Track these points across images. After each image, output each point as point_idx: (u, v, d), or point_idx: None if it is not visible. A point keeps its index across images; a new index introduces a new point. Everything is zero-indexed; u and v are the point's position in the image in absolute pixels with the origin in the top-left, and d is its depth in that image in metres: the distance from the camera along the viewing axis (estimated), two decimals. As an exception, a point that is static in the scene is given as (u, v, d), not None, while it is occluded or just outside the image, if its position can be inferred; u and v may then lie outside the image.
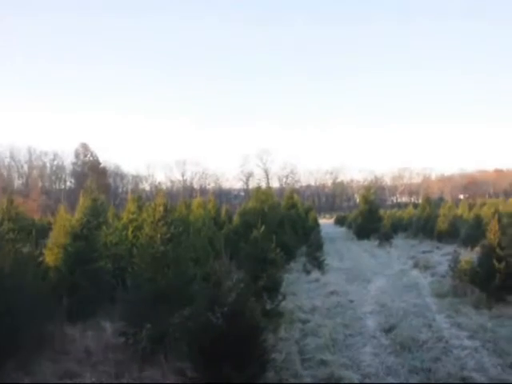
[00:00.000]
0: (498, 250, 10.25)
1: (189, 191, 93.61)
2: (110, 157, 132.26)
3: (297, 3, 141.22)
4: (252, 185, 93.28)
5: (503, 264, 10.06)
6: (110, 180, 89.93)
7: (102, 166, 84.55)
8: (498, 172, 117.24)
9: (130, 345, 6.77)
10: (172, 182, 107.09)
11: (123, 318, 7.16)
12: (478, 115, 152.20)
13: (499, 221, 10.61)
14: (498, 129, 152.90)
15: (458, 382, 6.08)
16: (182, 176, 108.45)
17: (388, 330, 8.47)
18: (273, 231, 12.09)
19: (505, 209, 34.41)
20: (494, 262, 10.09)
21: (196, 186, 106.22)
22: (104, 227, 12.05)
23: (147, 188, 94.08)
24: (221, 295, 5.50)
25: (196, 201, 21.05)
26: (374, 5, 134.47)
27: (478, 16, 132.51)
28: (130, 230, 11.85)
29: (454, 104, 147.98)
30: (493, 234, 10.50)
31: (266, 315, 8.25)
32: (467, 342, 7.68)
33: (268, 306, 8.79)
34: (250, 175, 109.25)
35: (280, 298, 9.10)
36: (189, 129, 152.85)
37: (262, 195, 19.34)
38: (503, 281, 10.03)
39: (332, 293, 12.05)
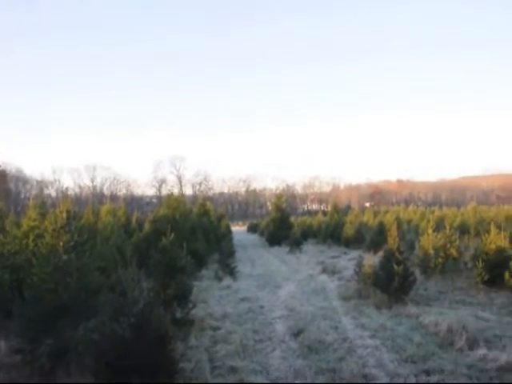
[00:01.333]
0: (397, 255, 10.94)
1: (98, 197, 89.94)
2: (11, 159, 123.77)
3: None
4: (165, 192, 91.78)
5: (401, 267, 10.76)
6: (11, 185, 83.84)
7: (1, 169, 78.45)
8: (400, 182, 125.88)
9: (27, 363, 6.32)
10: (81, 187, 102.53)
11: (20, 333, 6.66)
12: (382, 129, 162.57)
13: (399, 227, 11.41)
14: (399, 142, 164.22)
15: (360, 378, 6.38)
16: (92, 181, 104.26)
17: (297, 334, 8.67)
18: (184, 238, 11.95)
19: (405, 216, 36.96)
20: (394, 265, 10.77)
21: (106, 192, 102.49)
22: (1, 236, 11.17)
23: (53, 194, 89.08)
24: (127, 305, 5.32)
25: (105, 207, 20.28)
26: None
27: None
28: (31, 238, 11.08)
29: (361, 117, 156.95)
30: (392, 240, 11.18)
31: (176, 324, 8.12)
32: (369, 341, 8.08)
33: (178, 315, 8.66)
34: (162, 182, 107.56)
35: (190, 305, 8.98)
36: (99, 133, 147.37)
37: (174, 202, 19.08)
38: (401, 283, 10.75)
39: (243, 299, 12.14)
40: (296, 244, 27.70)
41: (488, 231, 13.64)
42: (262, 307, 11.24)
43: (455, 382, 6.21)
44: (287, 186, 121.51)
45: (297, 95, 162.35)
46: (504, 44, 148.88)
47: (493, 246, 12.70)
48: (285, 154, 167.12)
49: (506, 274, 11.69)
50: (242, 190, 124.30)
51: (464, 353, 7.35)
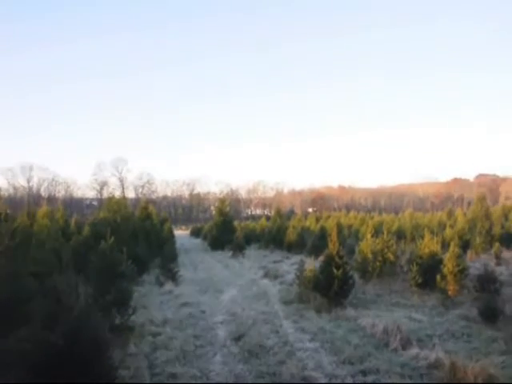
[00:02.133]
0: (336, 259, 11.23)
1: (35, 199, 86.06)
2: None
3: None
4: (106, 194, 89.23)
5: (341, 271, 11.06)
6: None
7: None
8: (341, 188, 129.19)
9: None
10: (15, 188, 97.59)
11: None
12: (325, 136, 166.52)
13: (340, 232, 11.71)
14: (342, 150, 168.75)
15: (300, 381, 6.49)
16: (28, 182, 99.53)
17: (238, 339, 8.67)
18: (125, 243, 11.69)
19: (346, 221, 37.94)
20: (334, 269, 11.04)
21: (44, 193, 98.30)
22: None
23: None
24: (62, 312, 5.12)
25: (42, 210, 19.42)
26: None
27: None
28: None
29: (304, 124, 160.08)
30: (332, 244, 11.46)
31: (115, 330, 7.92)
32: (309, 344, 8.24)
33: (117, 321, 8.44)
34: (104, 184, 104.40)
35: (130, 311, 8.78)
36: (37, 133, 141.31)
37: (115, 205, 18.62)
38: (340, 286, 11.04)
39: (184, 304, 12.00)
40: (239, 248, 27.76)
41: (422, 236, 14.29)
42: (203, 312, 11.17)
43: (389, 380, 6.45)
44: (231, 190, 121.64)
45: (241, 99, 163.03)
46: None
47: (426, 251, 13.32)
48: (229, 158, 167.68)
49: (438, 277, 12.30)
50: (186, 193, 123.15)
51: (398, 352, 7.68)
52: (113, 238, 9.03)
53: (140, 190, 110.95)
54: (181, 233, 70.16)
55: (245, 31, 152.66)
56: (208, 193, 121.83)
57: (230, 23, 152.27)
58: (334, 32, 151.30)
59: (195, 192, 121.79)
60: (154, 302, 12.40)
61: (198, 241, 48.92)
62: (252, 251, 30.72)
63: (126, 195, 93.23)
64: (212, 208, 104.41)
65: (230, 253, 28.13)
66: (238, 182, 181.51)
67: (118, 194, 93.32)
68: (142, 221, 24.99)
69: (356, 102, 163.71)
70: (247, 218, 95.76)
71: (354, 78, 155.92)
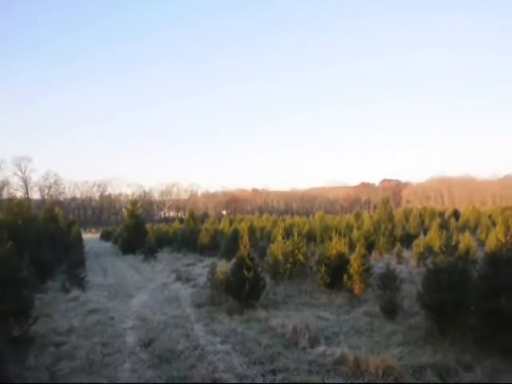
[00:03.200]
0: (247, 261, 11.35)
1: None
2: None
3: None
4: (7, 195, 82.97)
5: (252, 273, 11.19)
6: None
7: None
8: (255, 191, 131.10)
9: None
10: None
11: None
12: (239, 139, 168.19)
13: (253, 234, 11.87)
14: (256, 153, 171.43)
15: (210, 382, 6.48)
16: None
17: (148, 344, 8.46)
18: (27, 247, 10.96)
19: (258, 224, 38.47)
20: (245, 271, 11.15)
21: None
22: None
23: None
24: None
25: None
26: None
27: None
28: None
29: (217, 127, 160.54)
30: (244, 247, 11.58)
31: (13, 342, 7.39)
32: (220, 347, 8.23)
33: (15, 332, 7.87)
34: (4, 184, 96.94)
35: (30, 321, 8.24)
36: None
37: (16, 207, 17.40)
38: (252, 288, 11.17)
39: (92, 311, 11.48)
40: (151, 252, 27.17)
41: (331, 238, 14.88)
42: (112, 318, 10.76)
43: (298, 378, 6.64)
44: (144, 192, 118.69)
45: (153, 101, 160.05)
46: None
47: (334, 252, 13.89)
48: (142, 159, 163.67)
49: (345, 277, 12.88)
50: (96, 195, 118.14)
51: (306, 350, 7.91)
52: (10, 242, 8.41)
53: (46, 191, 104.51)
54: (90, 236, 67.27)
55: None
56: (120, 194, 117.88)
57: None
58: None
59: (106, 194, 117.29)
60: (58, 310, 11.73)
61: (109, 244, 47.15)
62: (165, 254, 30.19)
63: (30, 196, 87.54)
64: (123, 210, 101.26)
65: (142, 256, 27.46)
66: (152, 183, 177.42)
67: (20, 194, 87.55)
68: (46, 224, 23.56)
69: (267, 105, 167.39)
70: (160, 221, 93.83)
71: (265, 81, 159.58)
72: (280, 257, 15.30)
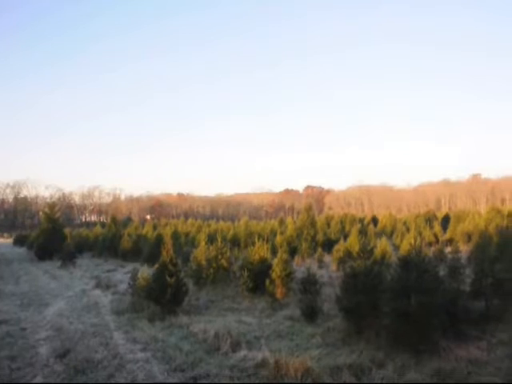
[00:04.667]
0: (170, 266, 11.20)
1: None
2: None
3: None
4: None
5: (174, 279, 11.05)
6: None
7: None
8: (180, 196, 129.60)
9: None
10: None
11: None
12: (165, 143, 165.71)
13: (177, 239, 11.71)
14: (180, 158, 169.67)
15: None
16: None
17: (63, 355, 8.06)
18: None
19: (183, 229, 38.06)
20: (167, 277, 10.98)
21: None
22: None
23: None
24: None
25: None
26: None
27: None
28: None
29: (140, 133, 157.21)
30: (166, 252, 11.42)
31: None
32: (140, 355, 8.04)
33: None
34: None
35: None
36: None
37: None
38: (174, 294, 11.03)
39: (0, 322, 10.75)
40: (69, 258, 25.99)
41: (254, 243, 15.04)
42: (23, 329, 10.15)
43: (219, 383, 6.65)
44: (63, 194, 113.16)
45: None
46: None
47: (257, 257, 14.06)
48: (62, 160, 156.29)
49: (267, 282, 13.06)
50: (10, 197, 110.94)
51: (228, 356, 7.95)
52: None
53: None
54: (2, 241, 63.05)
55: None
56: (36, 197, 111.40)
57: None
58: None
59: (21, 196, 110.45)
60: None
61: (23, 250, 44.33)
62: (85, 260, 29.05)
63: None
64: (40, 214, 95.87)
65: (60, 263, 26.18)
66: (72, 186, 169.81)
67: None
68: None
69: (192, 109, 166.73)
70: (81, 225, 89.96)
71: (191, 85, 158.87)
72: (203, 262, 15.23)
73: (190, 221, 51.66)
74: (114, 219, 37.00)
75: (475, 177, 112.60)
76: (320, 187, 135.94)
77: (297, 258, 23.39)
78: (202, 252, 15.60)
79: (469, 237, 29.58)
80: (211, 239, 17.41)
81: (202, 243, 16.00)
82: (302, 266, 19.37)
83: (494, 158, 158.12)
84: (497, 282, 10.91)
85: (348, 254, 19.52)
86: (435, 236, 33.30)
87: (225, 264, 15.64)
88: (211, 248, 15.79)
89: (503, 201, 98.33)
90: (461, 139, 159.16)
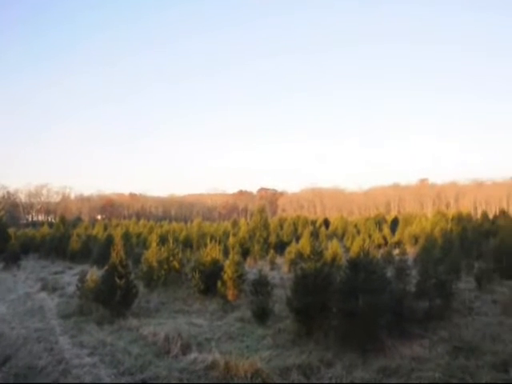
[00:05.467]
0: (119, 268, 10.97)
1: None
2: None
3: None
4: None
5: (124, 281, 10.84)
6: None
7: None
8: (132, 196, 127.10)
9: None
10: None
11: None
12: (116, 142, 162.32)
13: (128, 240, 11.44)
14: (133, 157, 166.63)
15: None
16: None
17: (3, 363, 7.71)
18: None
19: (135, 230, 37.40)
20: (116, 279, 10.76)
21: None
22: None
23: None
24: None
25: None
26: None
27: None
28: None
29: (93, 131, 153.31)
30: (116, 253, 11.18)
31: None
32: (87, 360, 7.85)
33: None
34: None
35: None
36: None
37: None
38: (123, 296, 10.82)
39: None
40: (13, 259, 24.96)
41: (207, 245, 14.98)
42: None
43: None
44: (8, 193, 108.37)
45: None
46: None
47: (209, 258, 14.02)
48: (6, 157, 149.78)
49: (219, 283, 13.03)
50: None
51: (178, 358, 7.91)
52: None
53: None
54: None
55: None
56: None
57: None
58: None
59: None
60: None
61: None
62: (30, 262, 27.98)
63: None
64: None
65: (2, 264, 25.05)
66: (18, 184, 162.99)
67: None
68: None
69: (144, 109, 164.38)
70: (27, 225, 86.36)
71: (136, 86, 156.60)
72: (154, 264, 15.02)
73: (142, 221, 50.70)
74: (62, 219, 35.86)
75: (423, 182, 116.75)
76: (274, 189, 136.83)
77: (249, 260, 23.47)
78: (153, 253, 15.38)
79: (416, 239, 30.61)
80: (163, 240, 17.16)
81: (154, 244, 15.78)
82: (254, 268, 19.45)
83: (441, 164, 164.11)
84: (440, 283, 11.38)
85: (300, 255, 19.75)
86: (384, 238, 34.29)
87: (176, 265, 15.48)
88: (163, 249, 15.59)
89: (448, 205, 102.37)
90: (410, 145, 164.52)
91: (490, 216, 45.13)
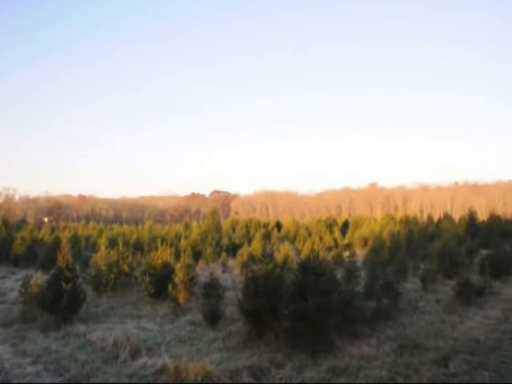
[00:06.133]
0: (66, 272, 10.63)
1: None
2: None
3: None
4: None
5: (70, 285, 10.50)
6: None
7: None
8: (82, 198, 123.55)
9: None
10: None
11: None
12: (64, 142, 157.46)
13: (77, 244, 11.11)
14: (82, 158, 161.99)
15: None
16: None
17: None
18: None
19: (84, 232, 36.32)
20: (63, 283, 10.41)
21: None
22: None
23: None
24: None
25: None
26: None
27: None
28: None
29: (37, 126, 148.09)
30: (62, 257, 10.83)
31: None
32: (30, 369, 7.51)
33: None
34: None
35: None
36: None
37: None
38: (70, 301, 10.47)
39: None
40: None
41: (157, 248, 14.78)
42: None
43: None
44: None
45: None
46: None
47: (160, 261, 13.83)
48: None
49: (170, 286, 12.88)
50: None
51: (127, 363, 7.76)
52: None
53: None
54: None
55: None
56: None
57: None
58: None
59: None
60: None
61: None
62: (-32, 267, 26.51)
63: None
64: None
65: None
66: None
67: None
68: None
69: (94, 107, 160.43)
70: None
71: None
72: (103, 267, 14.65)
73: (91, 224, 49.34)
74: (5, 221, 34.19)
75: (372, 185, 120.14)
76: (226, 192, 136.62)
77: (201, 263, 23.31)
78: (102, 257, 14.99)
79: (365, 241, 31.42)
80: (113, 243, 16.78)
81: (103, 248, 15.39)
82: (205, 271, 19.35)
83: (390, 169, 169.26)
84: (387, 284, 11.75)
85: (252, 258, 19.86)
86: (335, 241, 34.95)
87: (126, 269, 15.17)
88: (112, 252, 15.24)
89: (396, 208, 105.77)
90: (360, 149, 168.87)
91: (435, 219, 47.02)
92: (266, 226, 48.05)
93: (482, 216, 62.19)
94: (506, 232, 33.58)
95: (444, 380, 6.98)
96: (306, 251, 17.51)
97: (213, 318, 10.32)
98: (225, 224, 40.15)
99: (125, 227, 46.02)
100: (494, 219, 42.27)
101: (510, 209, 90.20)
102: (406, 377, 7.05)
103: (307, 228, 43.56)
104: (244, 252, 21.50)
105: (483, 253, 21.00)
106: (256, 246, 21.32)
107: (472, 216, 39.00)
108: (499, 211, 76.86)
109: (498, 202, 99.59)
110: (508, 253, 20.93)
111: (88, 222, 59.64)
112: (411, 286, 15.60)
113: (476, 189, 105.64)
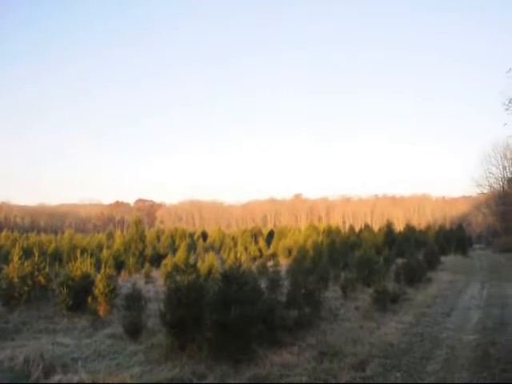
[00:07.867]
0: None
1: None
2: None
3: None
4: None
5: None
6: None
7: None
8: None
9: None
10: None
11: None
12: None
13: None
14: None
15: None
16: None
17: None
18: None
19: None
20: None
21: None
22: None
23: None
24: None
25: None
26: None
27: None
28: None
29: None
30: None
31: None
32: None
33: None
34: None
35: None
36: None
37: None
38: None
39: None
40: None
41: (77, 258, 14.18)
42: None
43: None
44: None
45: None
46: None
47: (79, 272, 13.27)
48: None
49: (89, 299, 12.39)
50: None
51: (40, 381, 7.35)
52: None
53: None
54: None
55: None
56: None
57: None
58: None
59: None
60: None
61: None
62: None
63: None
64: None
65: None
66: None
67: None
68: None
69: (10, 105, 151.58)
70: None
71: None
72: (16, 279, 13.78)
73: (4, 233, 46.29)
74: None
75: (297, 196, 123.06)
76: (152, 201, 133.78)
77: (124, 274, 22.69)
78: (14, 268, 14.08)
79: (289, 251, 32.11)
80: (28, 254, 15.83)
81: (16, 258, 14.47)
82: (128, 282, 18.84)
83: (314, 181, 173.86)
84: (309, 292, 12.07)
85: (176, 268, 19.62)
86: (260, 251, 35.41)
87: (42, 281, 14.36)
88: (26, 263, 14.37)
89: (320, 218, 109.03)
90: (285, 162, 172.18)
91: (356, 229, 49.07)
92: (191, 235, 47.71)
93: (399, 226, 65.74)
94: (420, 242, 35.78)
95: (361, 382, 7.31)
96: (230, 261, 17.58)
97: (134, 330, 10.05)
98: (149, 234, 39.31)
99: (43, 236, 43.69)
100: (410, 229, 44.93)
101: (424, 220, 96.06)
102: (325, 382, 7.29)
103: (233, 238, 43.78)
104: (168, 262, 21.19)
105: (399, 261, 22.13)
106: (180, 256, 21.10)
107: (389, 227, 41.20)
108: (414, 222, 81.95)
109: (413, 214, 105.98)
110: (420, 261, 22.33)
111: (1, 230, 55.91)
112: (332, 294, 16.13)
113: (394, 201, 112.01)
